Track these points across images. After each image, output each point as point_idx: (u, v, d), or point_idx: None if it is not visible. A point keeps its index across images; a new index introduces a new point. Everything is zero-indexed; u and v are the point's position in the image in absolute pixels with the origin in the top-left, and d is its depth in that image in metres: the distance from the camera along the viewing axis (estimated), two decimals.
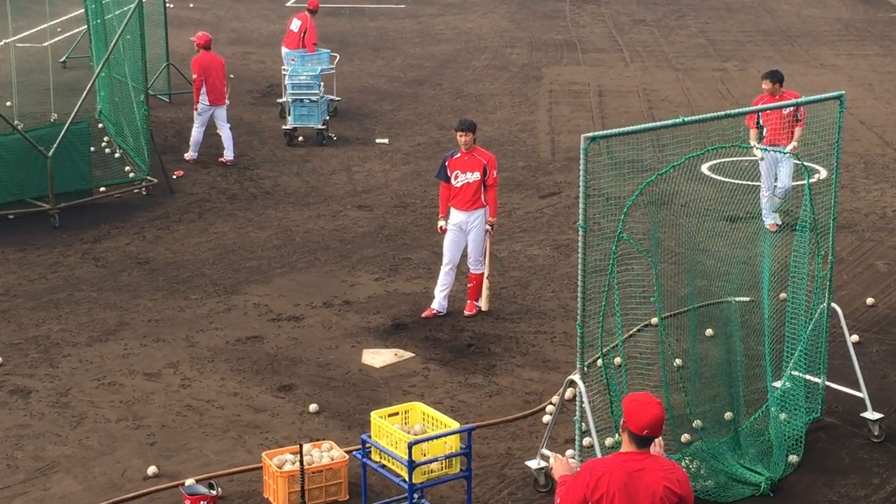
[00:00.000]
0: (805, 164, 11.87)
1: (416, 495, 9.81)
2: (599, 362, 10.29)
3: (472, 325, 14.06)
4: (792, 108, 15.74)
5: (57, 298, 14.88)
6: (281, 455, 10.49)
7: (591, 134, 9.62)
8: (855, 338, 13.19)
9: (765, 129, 16.18)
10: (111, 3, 21.34)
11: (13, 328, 14.02)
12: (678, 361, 11.72)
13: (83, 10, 24.21)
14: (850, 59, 29.12)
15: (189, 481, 10.57)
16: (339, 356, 13.32)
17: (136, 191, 18.71)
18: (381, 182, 19.66)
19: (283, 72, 22.74)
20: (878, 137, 22.13)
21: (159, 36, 23.66)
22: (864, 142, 21.75)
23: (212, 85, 20.11)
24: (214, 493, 10.36)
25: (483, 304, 14.29)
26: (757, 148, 15.68)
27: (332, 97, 23.07)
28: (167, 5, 25.11)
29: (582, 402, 10.09)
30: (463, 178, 14.02)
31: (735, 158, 17.39)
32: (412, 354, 13.36)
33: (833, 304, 11.62)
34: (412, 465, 9.45)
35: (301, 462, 10.02)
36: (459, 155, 14.08)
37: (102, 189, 18.42)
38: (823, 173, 16.21)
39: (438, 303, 14.31)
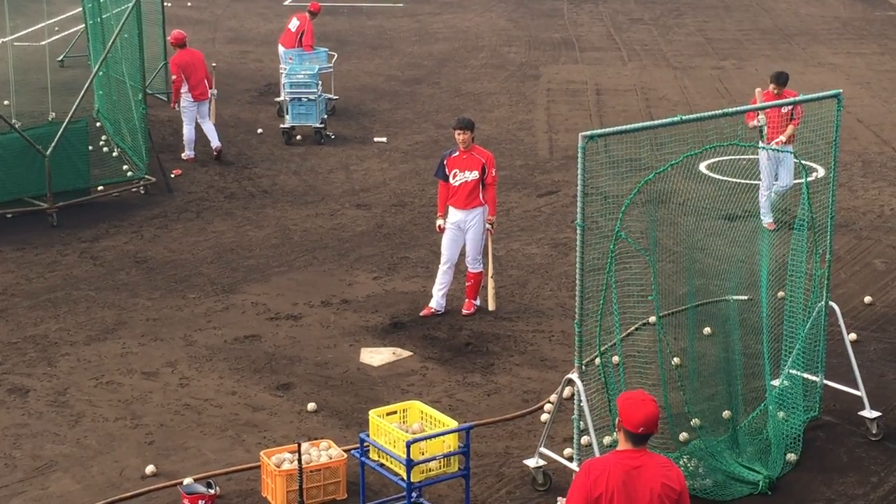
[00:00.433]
0: (803, 162, 11.88)
1: (414, 494, 9.82)
2: (597, 361, 10.29)
3: (470, 324, 14.07)
4: (789, 107, 15.77)
5: (55, 297, 14.87)
6: (279, 454, 10.49)
7: (588, 132, 9.62)
8: (853, 336, 13.20)
9: (765, 128, 16.18)
10: (109, 1, 21.31)
11: (11, 327, 14.02)
12: (676, 360, 11.72)
13: (81, 9, 24.20)
14: (847, 58, 29.12)
15: (187, 480, 10.57)
16: (337, 355, 13.32)
17: (133, 190, 18.70)
18: (379, 181, 19.66)
19: (281, 70, 22.74)
20: (876, 136, 22.13)
21: (157, 35, 23.64)
22: (861, 140, 21.75)
23: (196, 82, 20.12)
24: (212, 491, 10.36)
25: (490, 303, 14.24)
26: (760, 121, 15.66)
27: (329, 96, 23.07)
28: (165, 4, 25.09)
29: (580, 400, 10.10)
30: (461, 177, 14.02)
31: (733, 157, 17.39)
32: (410, 353, 13.36)
33: (831, 303, 11.63)
34: (410, 464, 9.45)
35: (299, 461, 10.01)
36: (458, 153, 14.08)
37: (100, 188, 18.42)
38: (821, 172, 16.23)
39: (437, 301, 14.31)
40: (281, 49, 23.86)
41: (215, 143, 20.37)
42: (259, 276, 15.60)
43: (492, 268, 14.24)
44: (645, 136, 10.53)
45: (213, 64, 22.63)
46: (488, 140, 20.92)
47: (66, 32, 29.51)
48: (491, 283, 14.21)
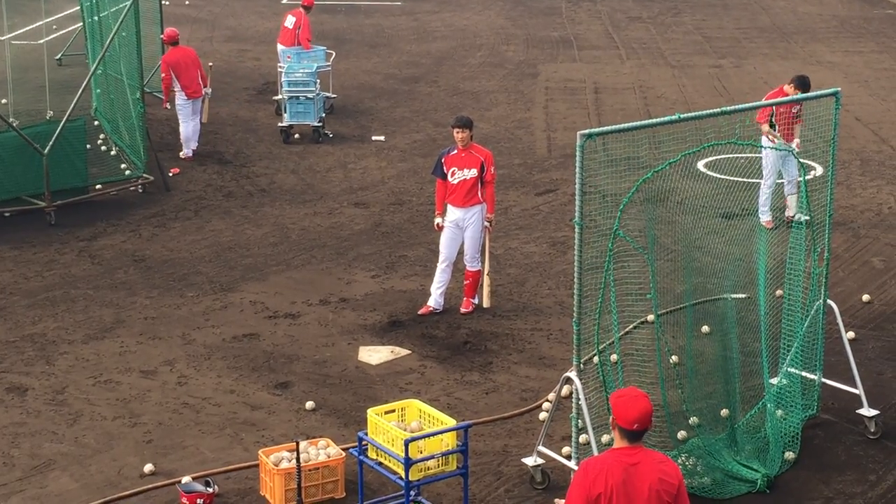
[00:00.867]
0: (801, 160, 11.88)
1: (412, 492, 9.82)
2: (596, 359, 10.30)
3: (468, 323, 14.06)
4: (797, 107, 15.83)
5: (53, 296, 14.87)
6: (277, 452, 10.49)
7: (587, 131, 9.61)
8: (851, 334, 13.20)
9: (776, 127, 16.23)
10: (106, 0, 21.32)
11: (9, 326, 14.01)
12: (674, 358, 11.72)
13: (79, 8, 24.18)
14: (846, 56, 29.12)
15: (185, 479, 10.57)
16: (335, 353, 13.31)
17: (132, 188, 18.69)
18: (377, 179, 19.66)
19: (279, 69, 22.73)
20: (874, 134, 22.13)
21: (155, 33, 23.61)
22: (859, 139, 21.75)
23: (189, 79, 20.10)
24: (211, 490, 10.36)
25: (485, 301, 14.23)
26: (771, 133, 15.77)
27: (328, 94, 23.06)
28: (162, 2, 25.08)
29: (578, 399, 10.10)
30: (460, 175, 14.02)
31: (731, 155, 17.39)
32: (409, 351, 13.36)
33: (829, 301, 11.63)
34: (409, 463, 9.45)
35: (297, 459, 10.01)
36: (456, 152, 14.08)
37: (98, 186, 18.41)
38: (819, 170, 16.24)
39: (435, 300, 14.31)
40: (280, 48, 23.84)
41: (193, 146, 20.26)
42: (257, 274, 15.59)
43: (487, 265, 14.24)
44: (643, 134, 10.52)
45: (210, 63, 22.62)
46: (487, 138, 20.91)
47: (64, 31, 29.48)
48: (486, 281, 14.20)
